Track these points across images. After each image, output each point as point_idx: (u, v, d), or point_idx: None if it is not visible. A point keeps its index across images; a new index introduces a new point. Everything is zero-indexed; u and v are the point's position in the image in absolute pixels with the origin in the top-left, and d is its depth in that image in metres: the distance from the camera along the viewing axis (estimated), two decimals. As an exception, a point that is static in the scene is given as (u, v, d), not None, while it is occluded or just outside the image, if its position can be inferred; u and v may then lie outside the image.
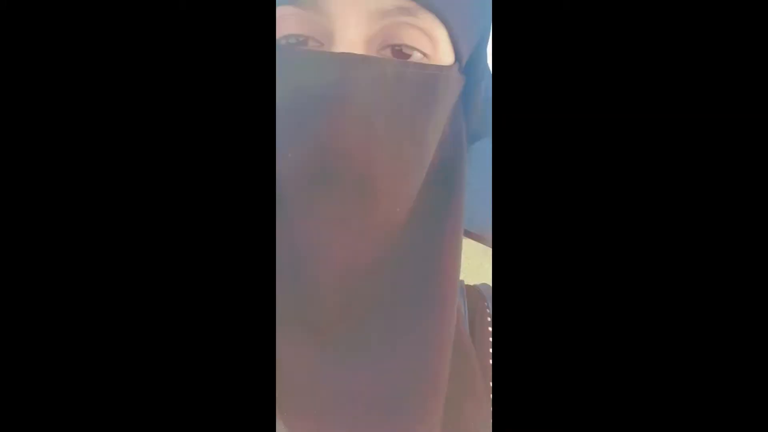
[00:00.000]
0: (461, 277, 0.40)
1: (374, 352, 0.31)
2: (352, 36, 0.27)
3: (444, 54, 0.30)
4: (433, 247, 0.32)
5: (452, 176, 0.32)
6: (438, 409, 0.31)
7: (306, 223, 0.29)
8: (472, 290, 0.40)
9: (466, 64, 0.32)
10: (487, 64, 0.35)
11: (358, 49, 0.27)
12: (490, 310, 0.37)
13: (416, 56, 0.28)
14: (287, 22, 0.28)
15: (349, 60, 0.26)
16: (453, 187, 0.32)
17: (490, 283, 0.41)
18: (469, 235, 0.40)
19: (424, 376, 0.31)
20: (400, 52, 0.28)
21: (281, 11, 0.28)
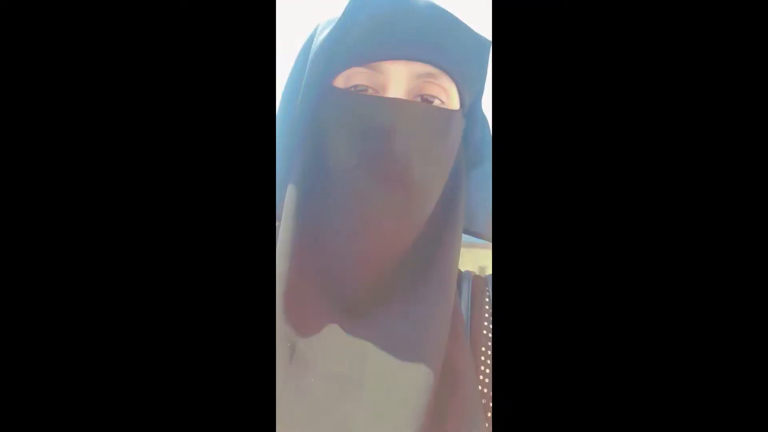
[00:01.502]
0: (470, 269, 0.51)
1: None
2: (398, 88, 0.42)
3: (453, 102, 0.45)
4: (440, 243, 0.43)
5: (456, 194, 0.45)
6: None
7: (352, 215, 0.41)
8: (478, 279, 0.50)
9: (467, 112, 0.47)
10: (482, 112, 0.50)
11: (402, 96, 0.42)
12: (489, 298, 0.47)
13: (437, 102, 0.44)
14: (356, 77, 0.43)
15: (397, 102, 0.41)
16: (457, 201, 0.45)
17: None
18: (470, 232, 0.51)
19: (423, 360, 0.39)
20: (426, 100, 0.44)
21: (352, 71, 0.43)
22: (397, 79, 0.41)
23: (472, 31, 0.45)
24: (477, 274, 0.50)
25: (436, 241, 0.43)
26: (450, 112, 0.44)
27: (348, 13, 0.41)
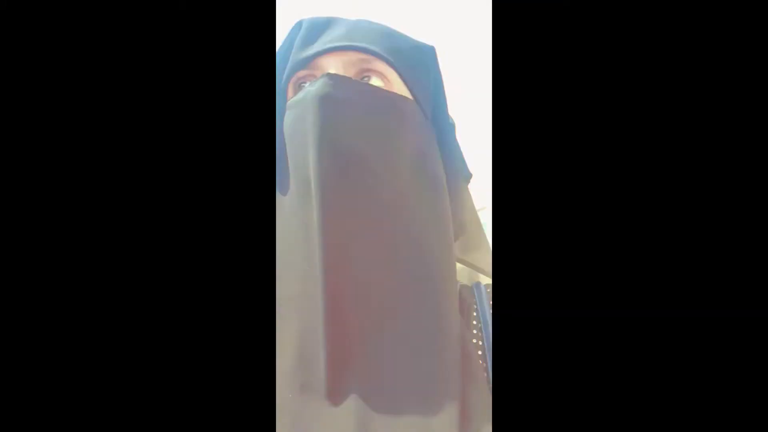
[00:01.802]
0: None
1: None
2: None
3: (398, 89, 0.45)
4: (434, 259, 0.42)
5: (437, 208, 0.44)
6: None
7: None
8: (464, 288, 0.49)
9: (432, 117, 0.48)
10: (450, 120, 0.50)
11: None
12: (476, 305, 0.48)
13: (373, 81, 0.44)
14: (299, 79, 0.46)
15: (330, 74, 0.41)
16: (439, 217, 0.44)
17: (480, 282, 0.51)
18: (463, 262, 0.51)
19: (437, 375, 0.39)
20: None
21: (297, 74, 0.45)
22: (333, 68, 0.43)
23: (411, 38, 0.48)
24: (464, 284, 0.50)
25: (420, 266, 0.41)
26: (396, 95, 0.44)
27: (290, 35, 0.47)
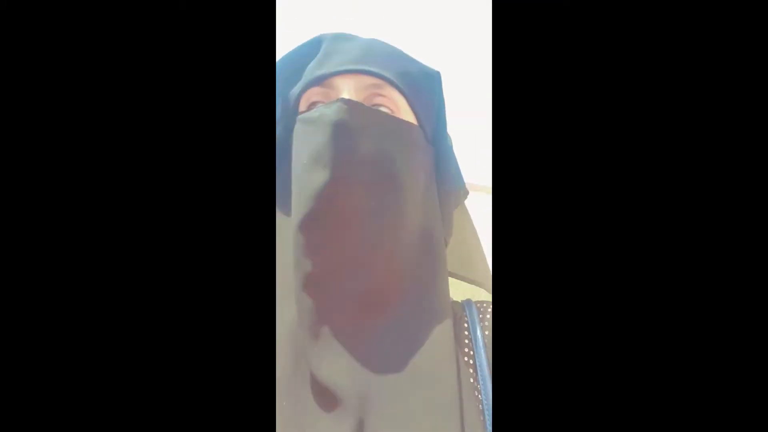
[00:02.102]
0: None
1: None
2: (349, 96, 0.46)
3: (406, 115, 0.48)
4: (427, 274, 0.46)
5: (431, 230, 0.48)
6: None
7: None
8: (456, 304, 0.52)
9: (432, 139, 0.50)
10: (449, 141, 0.53)
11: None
12: (467, 323, 0.50)
13: (383, 109, 0.47)
14: (313, 95, 0.47)
15: (341, 100, 0.43)
16: (433, 240, 0.47)
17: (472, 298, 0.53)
18: (468, 280, 0.56)
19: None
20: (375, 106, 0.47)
21: (310, 90, 0.47)
22: (346, 90, 0.46)
23: (419, 62, 0.51)
24: (455, 300, 0.51)
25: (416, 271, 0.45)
26: (403, 122, 0.47)
27: (308, 49, 0.49)
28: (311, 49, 0.49)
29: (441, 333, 0.43)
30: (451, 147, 0.53)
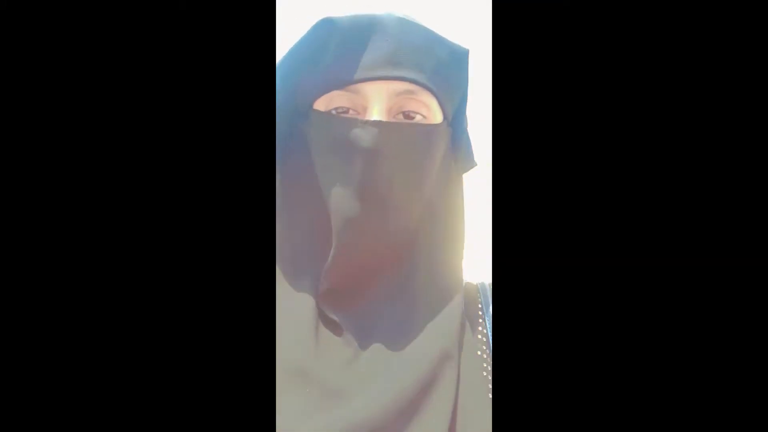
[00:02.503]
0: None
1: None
2: (378, 108, 0.43)
3: (436, 115, 0.46)
4: (438, 247, 0.46)
5: (448, 196, 0.49)
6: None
7: (340, 226, 0.43)
8: (470, 286, 0.52)
9: (452, 121, 0.49)
10: (466, 119, 0.51)
11: (383, 115, 0.43)
12: (481, 304, 0.50)
13: (418, 118, 0.45)
14: (337, 100, 0.44)
15: (379, 124, 0.42)
16: (450, 202, 0.49)
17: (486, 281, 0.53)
18: None
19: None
20: (408, 115, 0.45)
21: (332, 94, 0.44)
22: (377, 99, 0.43)
23: (448, 41, 0.46)
24: (468, 281, 0.51)
25: (426, 250, 0.45)
26: (432, 127, 0.45)
27: (319, 35, 0.44)
28: (322, 35, 0.44)
29: (451, 308, 0.44)
30: (467, 125, 0.52)
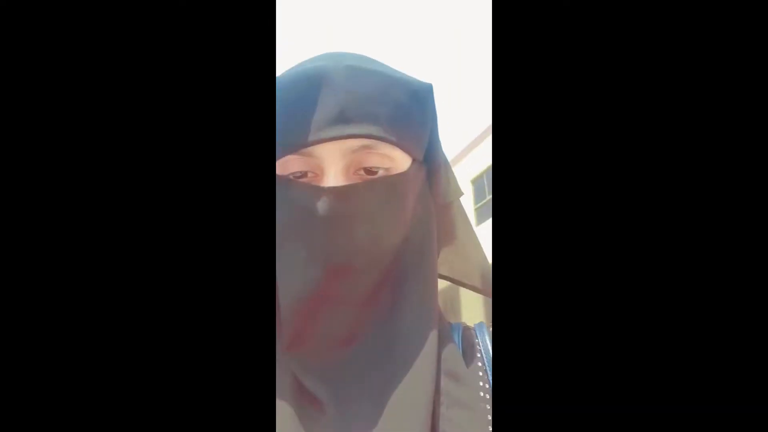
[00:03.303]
0: (462, 320, 0.51)
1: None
2: (335, 168, 0.41)
3: (401, 163, 0.43)
4: (414, 295, 0.43)
5: (426, 234, 0.45)
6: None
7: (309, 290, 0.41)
8: (467, 329, 0.49)
9: (424, 159, 0.46)
10: (442, 153, 0.48)
11: (340, 176, 0.41)
12: (481, 346, 0.47)
13: (381, 172, 0.42)
14: (292, 164, 0.42)
15: (332, 190, 0.40)
16: (426, 242, 0.45)
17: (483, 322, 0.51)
18: (465, 285, 0.52)
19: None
20: (369, 171, 0.42)
21: (287, 158, 0.41)
22: (331, 161, 0.40)
23: (406, 81, 0.43)
24: (467, 325, 0.50)
25: (405, 294, 0.42)
26: (395, 178, 0.42)
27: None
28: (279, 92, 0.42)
29: (424, 355, 0.40)
30: (445, 158, 0.49)
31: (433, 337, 0.41)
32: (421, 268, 0.44)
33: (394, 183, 0.42)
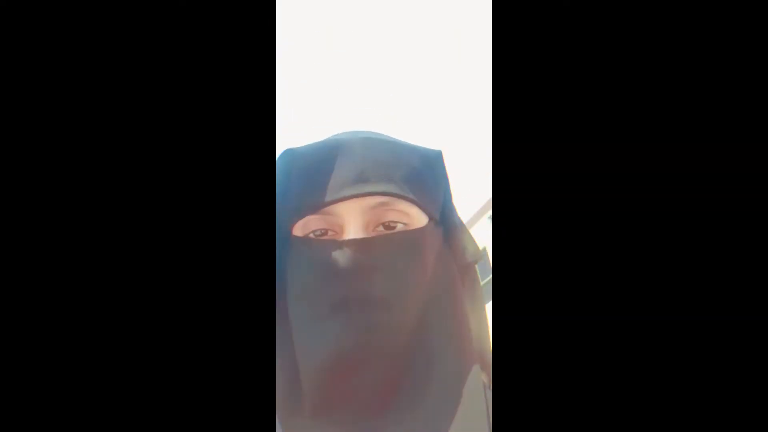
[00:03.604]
0: None
1: None
2: (355, 225, 0.42)
3: (419, 220, 0.45)
4: (438, 359, 0.42)
5: (450, 292, 0.45)
6: None
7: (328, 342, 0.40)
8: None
9: (440, 220, 0.47)
10: (457, 215, 0.50)
11: (360, 232, 0.42)
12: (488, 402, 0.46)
13: (399, 227, 0.44)
14: (313, 223, 0.43)
15: (353, 242, 0.41)
16: (452, 300, 0.45)
17: None
18: None
19: None
20: (388, 226, 0.43)
21: (308, 218, 0.43)
22: (351, 217, 0.42)
23: (417, 149, 0.46)
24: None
25: (433, 360, 0.42)
26: (414, 232, 0.44)
27: (283, 166, 0.45)
28: (286, 167, 0.44)
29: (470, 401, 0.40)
30: (460, 220, 0.50)
31: (477, 396, 0.41)
32: (448, 326, 0.44)
33: (413, 237, 0.43)
